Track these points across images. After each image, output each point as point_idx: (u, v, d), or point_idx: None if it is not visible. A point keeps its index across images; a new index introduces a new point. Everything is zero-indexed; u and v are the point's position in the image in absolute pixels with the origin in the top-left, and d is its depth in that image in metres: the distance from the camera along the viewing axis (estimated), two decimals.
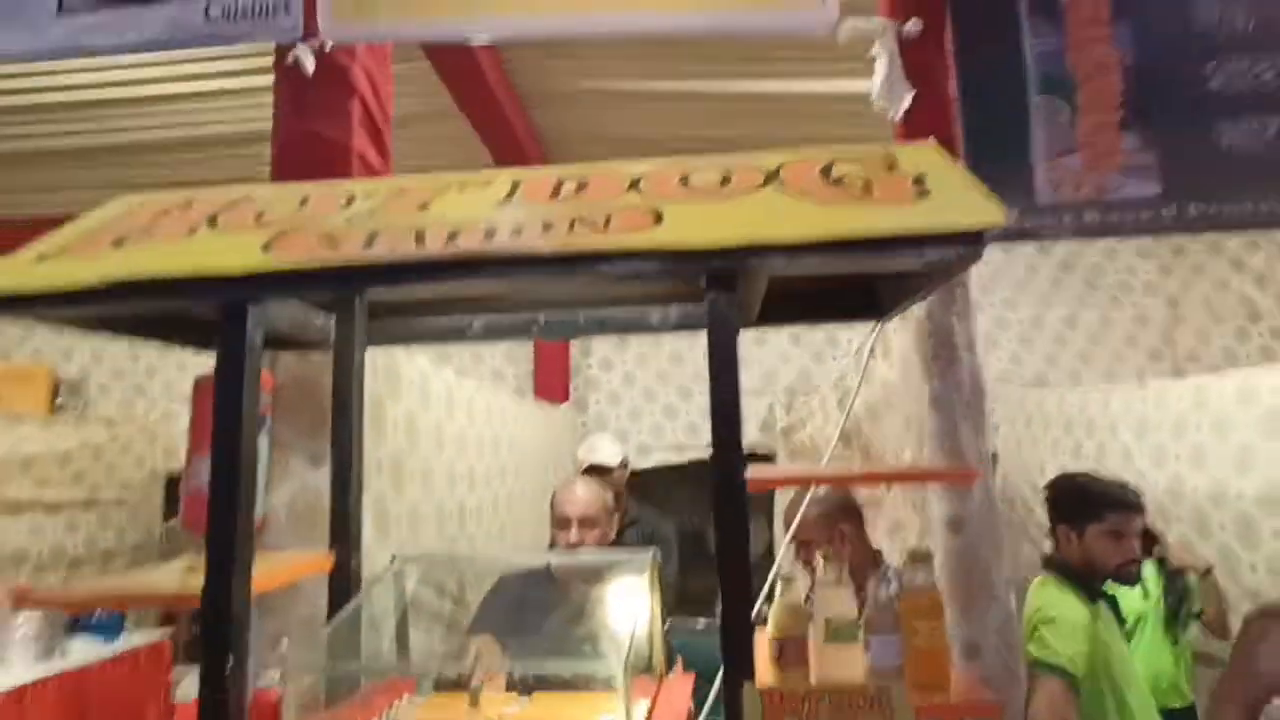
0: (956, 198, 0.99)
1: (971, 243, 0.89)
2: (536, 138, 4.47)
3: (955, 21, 1.79)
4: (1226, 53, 1.74)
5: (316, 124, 1.90)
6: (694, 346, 5.01)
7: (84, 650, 2.91)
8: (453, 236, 1.00)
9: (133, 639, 3.40)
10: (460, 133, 4.00)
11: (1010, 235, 1.72)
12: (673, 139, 4.42)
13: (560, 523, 1.95)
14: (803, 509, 1.83)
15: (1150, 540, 2.71)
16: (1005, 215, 0.90)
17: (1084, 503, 1.82)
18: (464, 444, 2.52)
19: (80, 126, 4.01)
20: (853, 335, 3.70)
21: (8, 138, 4.10)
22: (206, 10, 1.89)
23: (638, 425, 5.17)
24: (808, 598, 1.26)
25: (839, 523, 1.79)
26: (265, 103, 2.08)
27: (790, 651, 1.03)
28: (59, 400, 5.18)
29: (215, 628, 0.98)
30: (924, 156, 1.14)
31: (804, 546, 1.82)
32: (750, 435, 4.83)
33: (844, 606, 1.08)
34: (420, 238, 1.01)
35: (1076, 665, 1.60)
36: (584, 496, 1.95)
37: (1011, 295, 5.26)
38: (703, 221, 0.99)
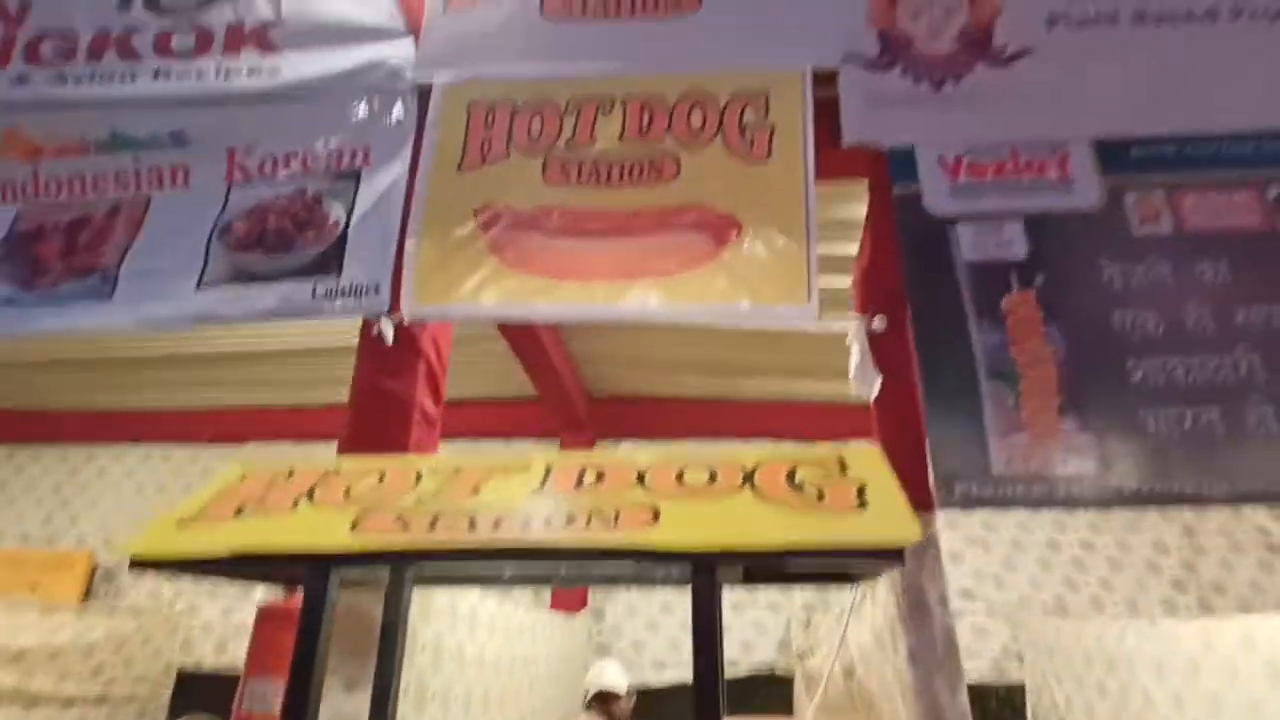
0: (888, 513, 1.27)
1: (893, 557, 1.16)
2: (571, 359, 4.98)
3: (915, 319, 2.19)
4: (1143, 352, 2.09)
5: (388, 381, 2.31)
6: None
7: None
8: (497, 524, 1.30)
9: None
10: (501, 350, 4.49)
11: (969, 503, 1.97)
12: (693, 362, 4.90)
13: None
14: None
15: None
16: (920, 532, 1.18)
17: None
18: (483, 664, 2.66)
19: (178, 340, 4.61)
20: None
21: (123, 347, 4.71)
22: (314, 290, 2.38)
23: (655, 638, 5.16)
24: None
25: None
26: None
27: None
28: (94, 585, 5.37)
29: None
30: (868, 463, 1.45)
31: None
32: (767, 654, 4.81)
33: None
34: (472, 523, 1.31)
35: None
36: None
37: (1025, 518, 5.38)
38: (691, 523, 1.28)
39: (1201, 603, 4.83)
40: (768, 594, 5.05)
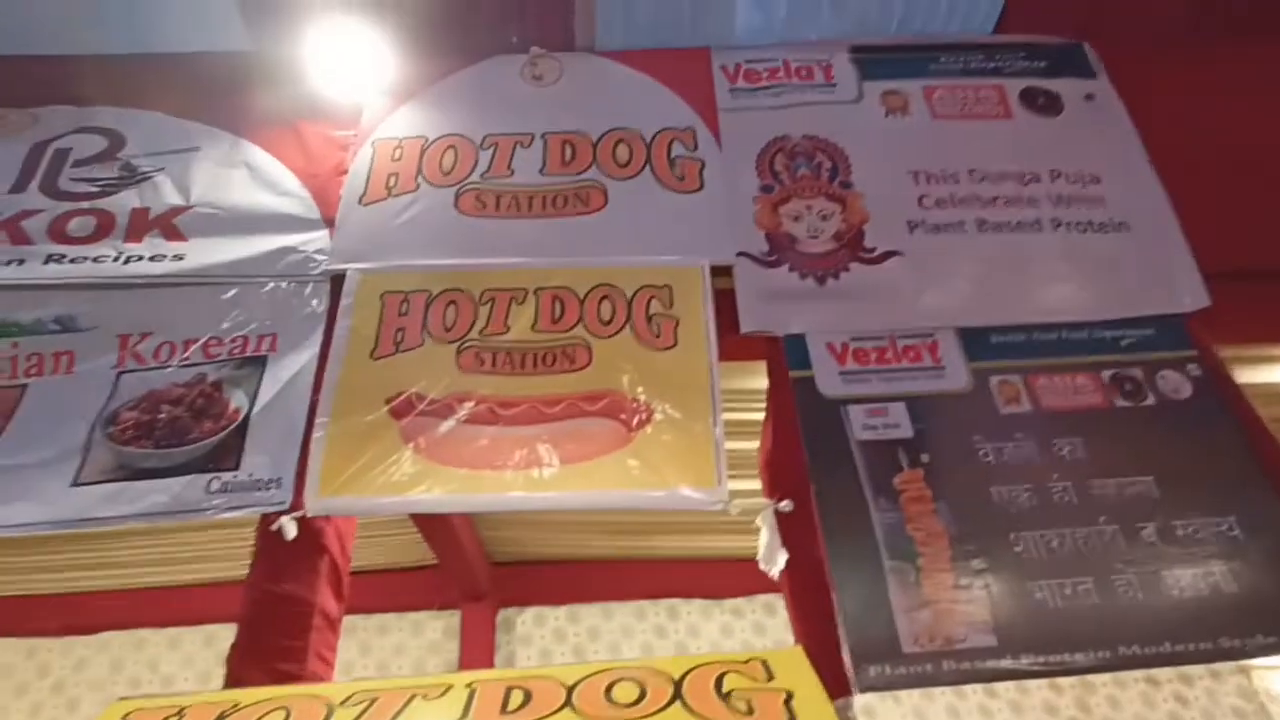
0: None
1: None
2: (472, 526, 4.82)
3: (818, 498, 2.32)
4: (1021, 525, 2.29)
5: (286, 584, 2.17)
6: None
7: None
8: None
9: None
10: (398, 522, 4.30)
11: (884, 685, 2.02)
12: (596, 523, 4.84)
13: None
14: None
15: None
16: None
17: None
18: None
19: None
20: None
21: None
22: (208, 486, 2.26)
23: None
24: None
25: None
26: None
27: None
28: None
29: None
30: (792, 667, 1.48)
31: None
32: None
33: None
34: None
35: None
36: None
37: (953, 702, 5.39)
38: None
39: None
40: None
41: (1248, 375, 3.49)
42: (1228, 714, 5.14)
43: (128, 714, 1.42)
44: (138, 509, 2.22)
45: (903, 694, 5.05)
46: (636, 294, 2.69)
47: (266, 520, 2.24)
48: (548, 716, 1.35)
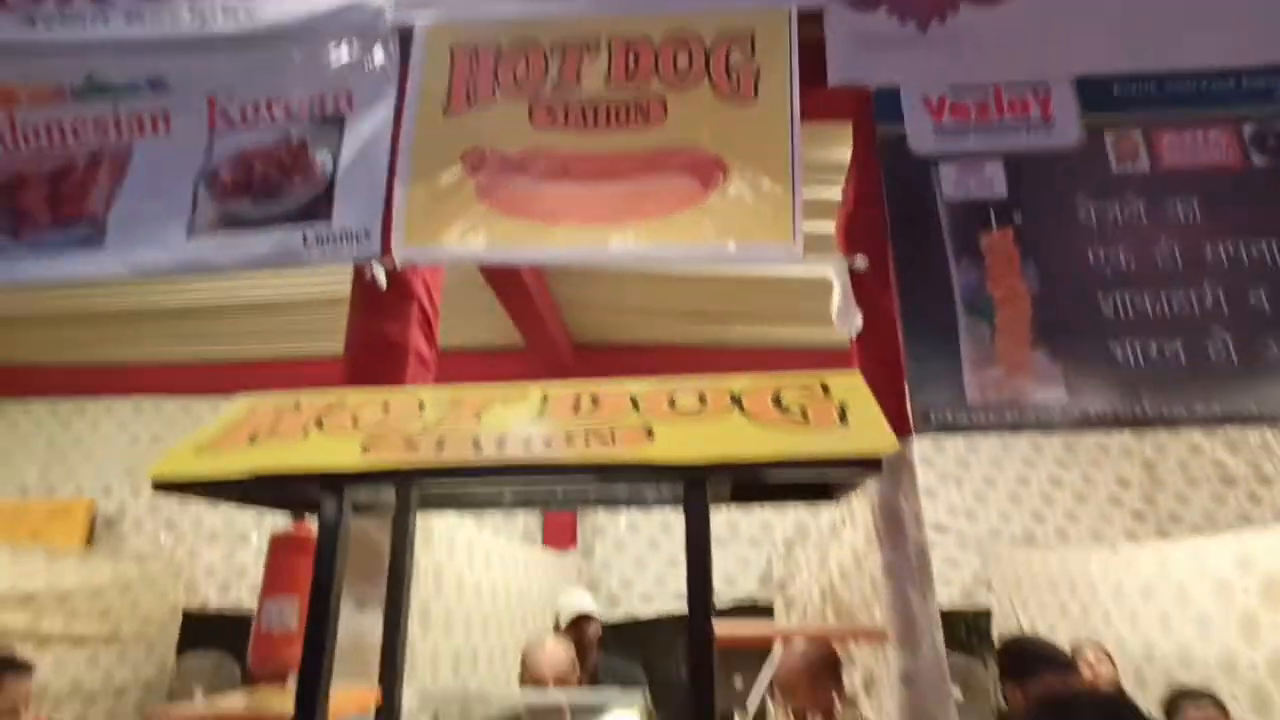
0: (867, 428, 1.36)
1: (871, 466, 1.25)
2: (556, 306, 5.02)
3: (896, 258, 2.26)
4: (1113, 287, 2.18)
5: (382, 326, 2.36)
6: None
7: None
8: (500, 444, 1.37)
9: None
10: (487, 298, 4.53)
11: (945, 428, 2.08)
12: (677, 309, 4.97)
13: (535, 680, 2.12)
14: (786, 665, 2.07)
15: None
16: (897, 444, 1.27)
17: (1022, 662, 2.06)
18: (480, 593, 2.79)
19: (168, 294, 4.59)
20: None
21: (106, 301, 4.68)
22: (304, 238, 2.40)
23: (642, 574, 5.35)
24: None
25: (821, 677, 2.02)
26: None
27: None
28: (96, 534, 5.46)
29: None
30: (850, 385, 1.53)
31: (791, 696, 2.03)
32: (749, 587, 5.02)
33: None
34: (477, 444, 1.39)
35: None
36: (557, 655, 2.14)
37: (998, 455, 5.58)
38: (683, 440, 1.36)
39: (1159, 532, 5.07)
40: (750, 530, 5.22)
41: None
42: None
43: (253, 406, 1.64)
44: (245, 256, 2.40)
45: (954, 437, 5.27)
46: (715, 43, 2.51)
47: (360, 271, 2.39)
48: (614, 415, 1.46)
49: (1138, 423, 2.07)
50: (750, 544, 5.21)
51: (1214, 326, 2.14)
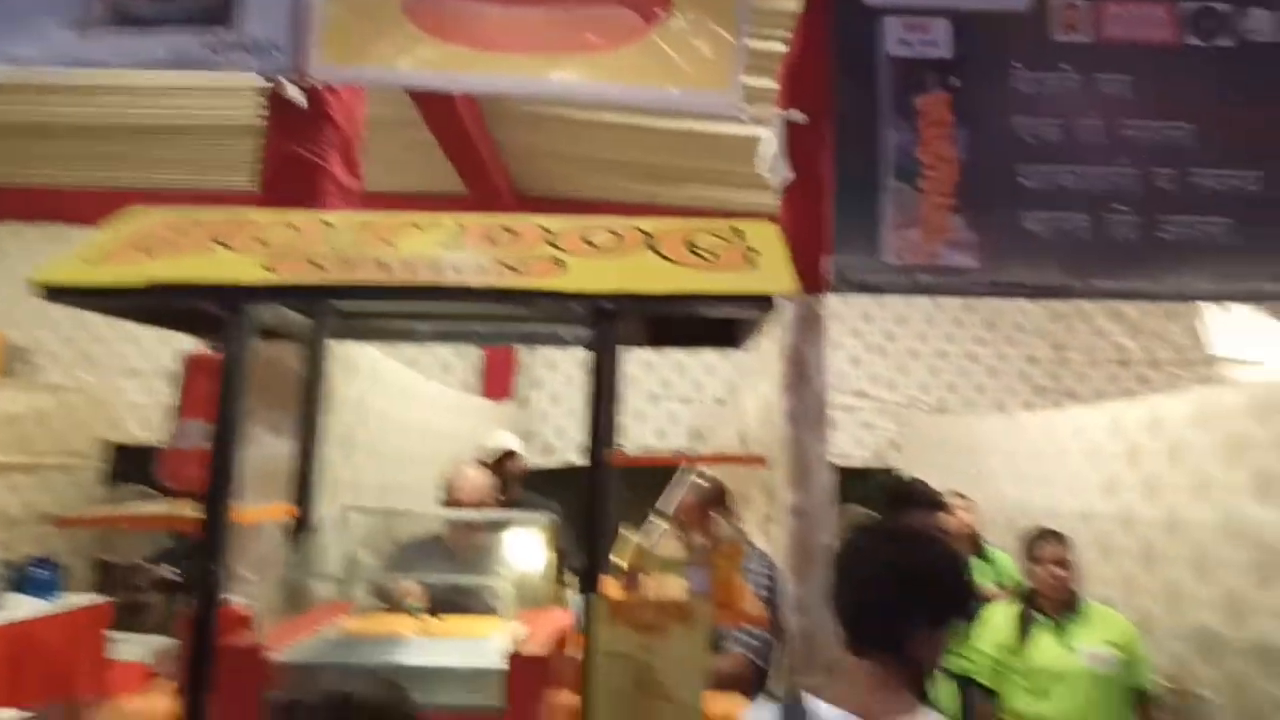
0: (772, 272, 1.40)
1: (764, 305, 1.31)
2: (499, 153, 4.83)
3: (835, 114, 2.24)
4: (1034, 159, 2.23)
5: (299, 148, 2.23)
6: (628, 351, 5.42)
7: (23, 606, 3.14)
8: (410, 268, 1.37)
9: (71, 599, 3.63)
10: (428, 142, 4.32)
11: (861, 288, 2.16)
12: (621, 163, 4.84)
13: (454, 503, 2.18)
14: (682, 499, 2.24)
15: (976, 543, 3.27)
16: (793, 286, 1.32)
17: (896, 498, 2.26)
18: (408, 428, 2.86)
19: (72, 106, 4.21)
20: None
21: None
22: (206, 43, 2.21)
23: (577, 426, 5.53)
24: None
25: (711, 507, 2.19)
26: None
27: (634, 579, 1.42)
28: (8, 366, 5.27)
29: (210, 542, 1.33)
30: (763, 233, 1.56)
31: (684, 524, 2.21)
32: (679, 441, 5.25)
33: (673, 550, 1.47)
34: (386, 267, 1.38)
35: None
36: (478, 481, 2.22)
37: (924, 329, 5.82)
38: (594, 273, 1.38)
39: (1055, 405, 5.48)
40: (682, 388, 5.42)
41: None
42: (1174, 377, 5.58)
43: (144, 218, 1.57)
44: (139, 56, 2.20)
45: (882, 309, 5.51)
46: None
47: (277, 90, 2.23)
48: (528, 247, 1.47)
49: (1043, 294, 2.19)
50: (681, 401, 5.43)
51: (1122, 205, 2.22)
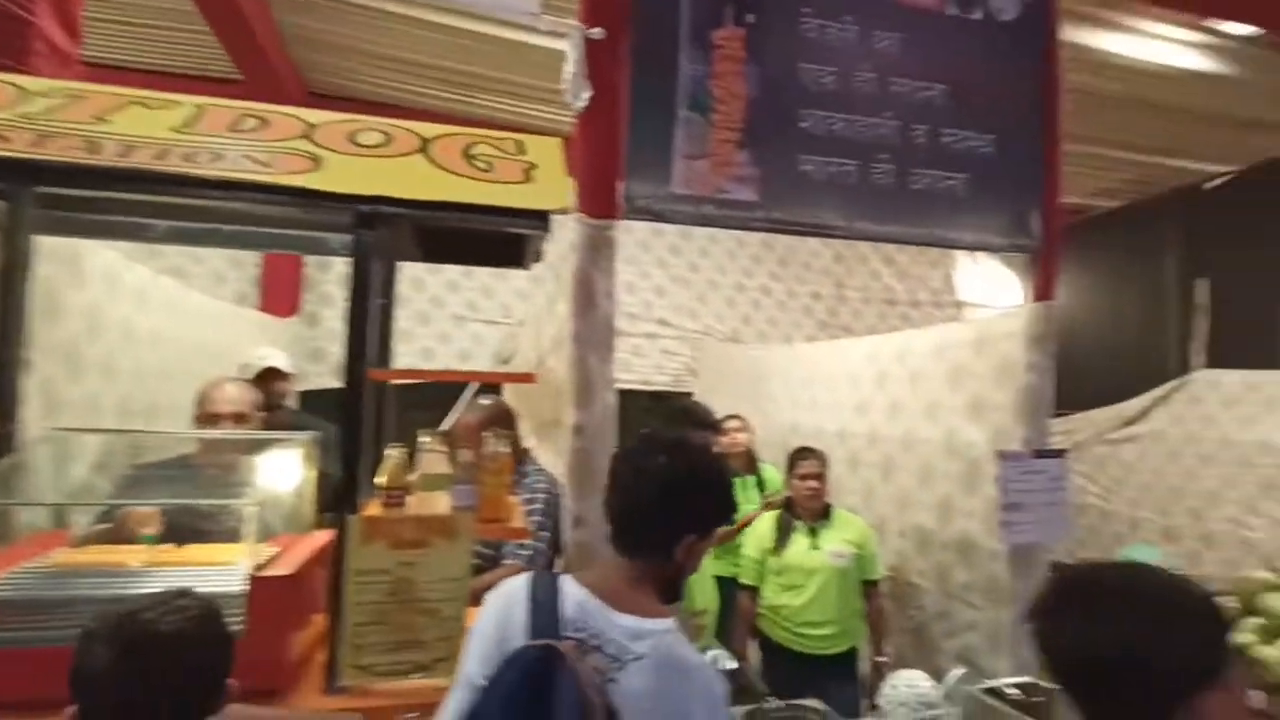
0: (548, 187, 1.38)
1: (539, 221, 1.29)
2: (279, 38, 4.28)
3: (633, 39, 2.21)
4: (814, 104, 2.37)
5: None
6: (434, 272, 5.20)
7: None
8: (126, 152, 1.18)
9: None
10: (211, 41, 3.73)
11: (648, 215, 2.20)
12: (425, 67, 4.50)
13: (208, 419, 1.99)
14: (461, 418, 2.22)
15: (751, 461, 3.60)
16: (567, 203, 1.32)
17: (682, 421, 2.43)
18: (158, 342, 2.54)
19: None
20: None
21: None
22: None
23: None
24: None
25: (490, 426, 2.20)
26: None
27: (396, 496, 1.39)
28: None
29: None
30: (546, 149, 1.53)
31: (460, 441, 2.18)
32: (483, 363, 5.17)
33: (438, 467, 1.46)
34: (95, 147, 1.17)
35: None
36: (235, 394, 2.02)
37: (724, 262, 6.14)
38: (353, 174, 1.28)
39: (832, 338, 6.09)
40: (489, 310, 5.31)
41: (1077, 34, 3.56)
42: (931, 316, 6.44)
43: None
44: None
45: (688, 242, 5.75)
46: None
47: None
48: (283, 139, 1.32)
49: (815, 231, 2.37)
50: (488, 323, 5.32)
51: (884, 154, 2.44)
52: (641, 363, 5.63)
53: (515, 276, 5.53)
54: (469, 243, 1.66)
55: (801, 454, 2.89)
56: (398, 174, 1.29)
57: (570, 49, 2.22)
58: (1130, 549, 3.67)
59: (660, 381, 5.67)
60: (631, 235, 5.51)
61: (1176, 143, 4.98)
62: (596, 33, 2.19)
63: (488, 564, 2.04)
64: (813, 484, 2.81)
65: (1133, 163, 5.30)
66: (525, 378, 1.91)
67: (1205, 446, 4.76)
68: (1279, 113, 4.48)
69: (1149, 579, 0.89)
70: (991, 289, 6.66)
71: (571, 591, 1.11)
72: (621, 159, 2.18)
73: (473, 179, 1.34)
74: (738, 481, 3.80)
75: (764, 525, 2.92)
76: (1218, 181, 5.21)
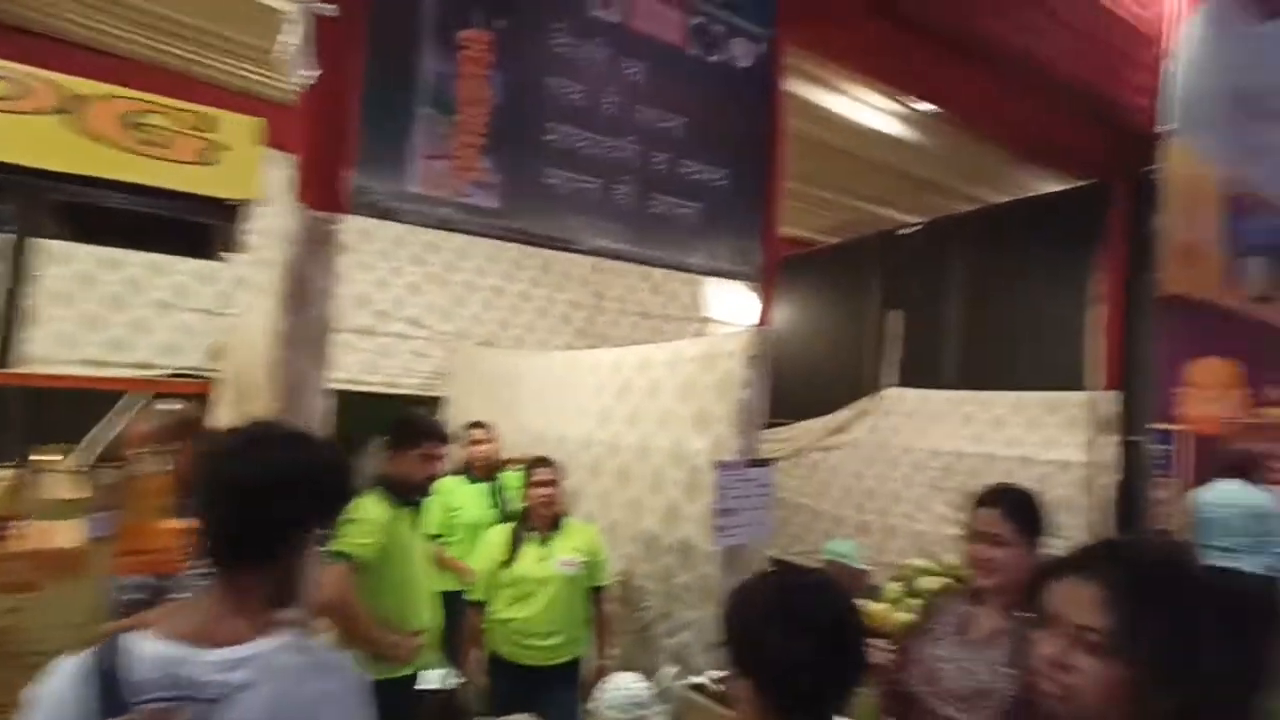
0: (235, 173, 1.23)
1: (222, 209, 1.14)
2: None
3: (373, 25, 2.07)
4: (561, 119, 2.40)
5: None
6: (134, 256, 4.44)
7: None
8: None
9: None
10: None
11: (382, 213, 2.07)
12: (124, 41, 3.80)
13: None
14: (133, 425, 1.91)
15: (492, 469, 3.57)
16: (257, 193, 1.17)
17: (406, 432, 2.32)
18: None
19: None
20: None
21: None
22: None
23: (95, 334, 4.33)
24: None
25: (172, 437, 1.92)
26: None
27: (5, 527, 1.14)
28: None
29: None
30: (244, 129, 1.36)
31: (130, 446, 1.88)
32: (195, 359, 4.53)
33: (65, 491, 1.24)
34: None
35: (364, 552, 2.06)
36: None
37: (484, 265, 6.01)
38: None
39: (589, 347, 6.26)
40: (204, 299, 4.65)
41: (809, 91, 4.02)
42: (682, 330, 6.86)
43: None
44: None
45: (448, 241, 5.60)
46: None
47: None
48: None
49: (553, 245, 2.39)
50: (201, 313, 4.65)
51: (626, 176, 2.55)
52: (389, 364, 5.33)
53: (241, 260, 4.94)
54: (137, 225, 1.42)
55: (535, 464, 2.91)
56: (23, 137, 1.06)
57: (297, 19, 2.02)
58: (831, 544, 4.21)
59: (408, 384, 5.41)
60: (387, 229, 5.18)
61: (880, 193, 5.84)
62: (329, 9, 2.02)
63: (151, 598, 1.75)
64: (545, 492, 2.84)
65: (848, 206, 6.11)
66: (197, 387, 1.67)
67: (892, 453, 5.64)
68: (953, 177, 5.45)
69: None
70: (736, 307, 7.29)
71: (147, 651, 0.98)
72: (351, 149, 2.03)
73: (132, 152, 1.14)
74: (477, 488, 3.74)
75: (497, 538, 2.89)
76: (909, 230, 6.20)
